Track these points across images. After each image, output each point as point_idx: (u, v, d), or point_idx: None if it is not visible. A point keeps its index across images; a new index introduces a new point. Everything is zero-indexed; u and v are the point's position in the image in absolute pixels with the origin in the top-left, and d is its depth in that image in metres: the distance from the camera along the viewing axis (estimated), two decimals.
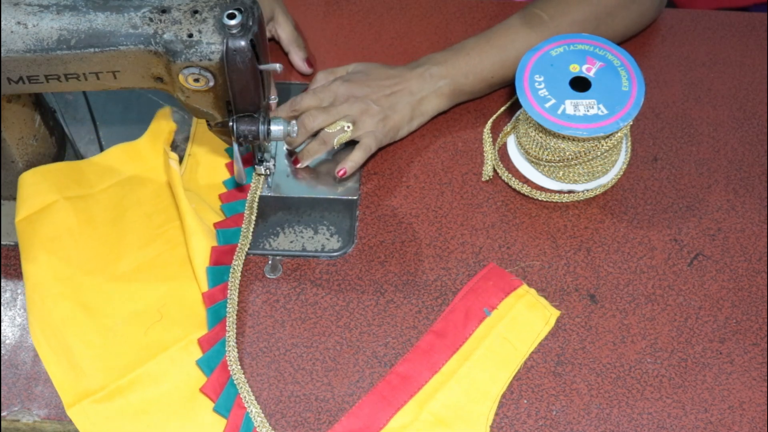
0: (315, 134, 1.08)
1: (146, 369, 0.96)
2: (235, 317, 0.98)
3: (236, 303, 0.99)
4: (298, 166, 1.08)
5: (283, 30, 1.16)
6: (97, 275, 1.02)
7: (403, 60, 1.18)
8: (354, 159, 1.06)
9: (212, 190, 1.08)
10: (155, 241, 1.04)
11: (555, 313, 0.99)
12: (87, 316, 0.99)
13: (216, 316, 0.98)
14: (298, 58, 1.16)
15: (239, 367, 0.96)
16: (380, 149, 1.09)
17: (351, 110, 1.06)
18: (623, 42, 1.16)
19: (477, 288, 1.00)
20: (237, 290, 1.00)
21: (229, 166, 1.09)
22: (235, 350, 0.96)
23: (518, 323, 0.98)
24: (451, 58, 1.09)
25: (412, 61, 1.11)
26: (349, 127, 1.06)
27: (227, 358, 0.96)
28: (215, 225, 1.04)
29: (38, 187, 1.04)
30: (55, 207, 1.04)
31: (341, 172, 1.05)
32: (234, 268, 1.01)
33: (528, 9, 1.11)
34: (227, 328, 0.97)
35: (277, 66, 0.91)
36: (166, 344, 0.97)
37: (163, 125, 1.10)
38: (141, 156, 1.09)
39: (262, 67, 0.91)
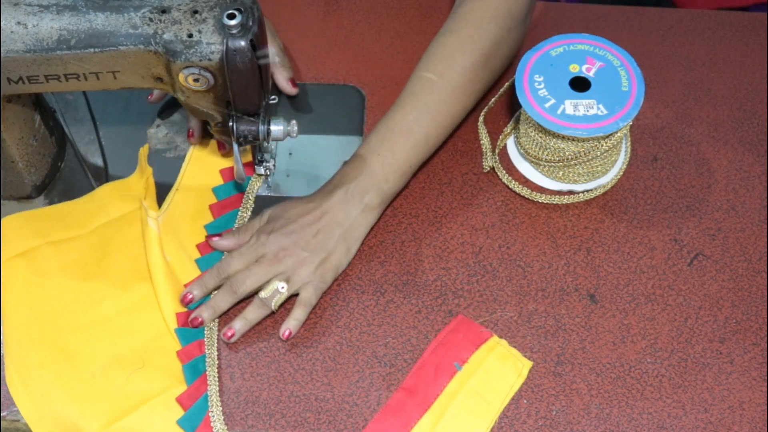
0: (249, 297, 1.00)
1: (126, 422, 0.93)
2: (216, 372, 0.95)
3: (216, 358, 0.96)
4: (231, 340, 0.98)
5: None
6: (79, 318, 0.98)
7: (403, 60, 1.18)
8: (297, 317, 0.98)
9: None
10: (139, 284, 1.01)
11: (527, 364, 0.97)
12: (66, 361, 0.96)
13: (194, 372, 0.95)
14: (282, 78, 1.12)
15: (224, 426, 0.93)
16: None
17: (282, 266, 0.98)
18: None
19: (446, 341, 0.98)
20: (215, 346, 0.97)
21: (213, 208, 1.06)
22: (219, 407, 0.93)
23: (490, 376, 0.96)
24: (365, 169, 1.01)
25: (326, 183, 1.03)
26: (283, 287, 0.97)
27: (210, 416, 0.93)
28: (185, 285, 1.01)
29: (20, 231, 1.02)
30: (38, 252, 1.02)
31: (286, 334, 0.97)
32: (210, 327, 0.98)
33: (415, 76, 1.04)
34: (208, 382, 0.94)
35: (274, 98, 0.95)
36: (146, 395, 0.94)
37: (145, 167, 1.07)
38: (131, 194, 1.06)
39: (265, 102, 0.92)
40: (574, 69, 1.04)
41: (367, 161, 1.01)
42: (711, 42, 1.20)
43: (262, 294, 0.98)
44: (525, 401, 0.96)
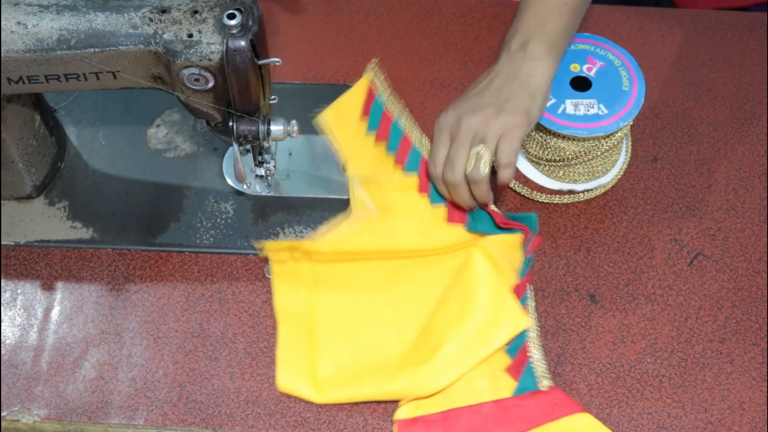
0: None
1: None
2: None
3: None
4: (490, 206, 1.00)
5: None
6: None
7: (403, 59, 1.18)
8: (505, 177, 0.95)
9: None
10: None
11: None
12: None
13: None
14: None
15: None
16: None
17: (471, 129, 0.93)
18: None
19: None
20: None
21: (398, 156, 1.06)
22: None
23: None
24: (518, 25, 0.99)
25: None
26: (481, 147, 0.93)
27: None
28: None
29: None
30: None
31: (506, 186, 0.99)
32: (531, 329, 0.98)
33: None
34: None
35: (277, 60, 0.89)
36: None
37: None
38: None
39: (262, 61, 0.90)
40: (575, 69, 1.04)
41: (521, 19, 0.98)
42: (711, 42, 1.20)
43: (469, 171, 0.94)
44: None
